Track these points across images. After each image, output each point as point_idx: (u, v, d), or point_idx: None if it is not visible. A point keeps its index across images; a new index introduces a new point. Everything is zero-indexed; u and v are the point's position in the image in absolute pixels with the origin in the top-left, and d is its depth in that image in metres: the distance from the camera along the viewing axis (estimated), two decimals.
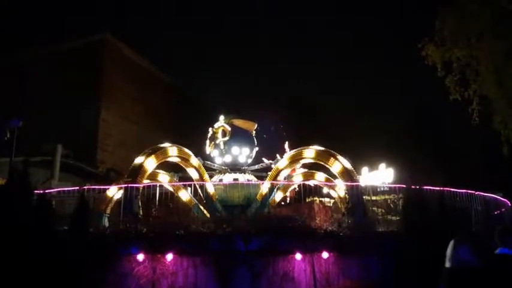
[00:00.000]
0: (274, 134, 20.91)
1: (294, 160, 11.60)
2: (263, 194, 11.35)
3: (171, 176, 12.36)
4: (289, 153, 11.89)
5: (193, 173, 11.97)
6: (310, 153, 11.35)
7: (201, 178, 11.93)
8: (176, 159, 11.78)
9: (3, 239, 7.71)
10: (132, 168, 10.80)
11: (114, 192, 11.31)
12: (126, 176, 11.03)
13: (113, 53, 23.11)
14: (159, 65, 26.61)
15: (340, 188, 11.68)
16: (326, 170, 11.88)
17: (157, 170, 12.04)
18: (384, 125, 29.92)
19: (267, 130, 15.57)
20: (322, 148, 11.35)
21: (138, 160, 10.85)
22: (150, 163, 10.90)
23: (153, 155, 10.99)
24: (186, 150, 11.87)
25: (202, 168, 12.20)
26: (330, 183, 12.10)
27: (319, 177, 12.43)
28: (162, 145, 11.59)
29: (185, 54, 45.45)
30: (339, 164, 10.78)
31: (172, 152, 11.53)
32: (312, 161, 11.54)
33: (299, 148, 11.65)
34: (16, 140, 13.14)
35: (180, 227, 8.80)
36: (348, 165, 10.81)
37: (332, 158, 10.92)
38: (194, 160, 11.94)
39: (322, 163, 11.23)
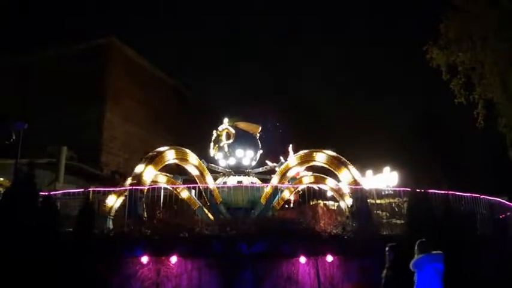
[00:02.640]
0: (274, 135, 20.92)
1: (305, 161, 11.54)
2: (267, 195, 11.35)
3: (175, 179, 12.36)
4: (300, 152, 11.77)
5: (193, 170, 11.96)
6: (322, 157, 11.24)
7: (202, 175, 11.94)
8: (175, 161, 11.77)
9: (10, 239, 7.75)
10: (131, 180, 10.74)
11: (114, 201, 11.27)
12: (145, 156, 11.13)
13: (118, 55, 23.22)
14: (163, 68, 26.72)
15: (348, 198, 11.56)
16: (329, 173, 11.85)
17: (159, 172, 12.09)
18: (389, 128, 29.77)
19: (266, 130, 15.54)
20: (335, 154, 11.24)
21: (138, 170, 10.71)
22: (149, 172, 10.78)
23: (151, 164, 10.83)
24: (184, 149, 11.85)
25: (202, 165, 12.15)
26: (335, 188, 12.07)
27: (328, 181, 12.39)
28: (159, 150, 11.45)
29: (189, 57, 45.57)
30: (349, 174, 10.69)
31: (170, 155, 11.44)
32: (321, 165, 11.49)
33: (311, 149, 11.56)
34: (21, 142, 13.19)
35: (184, 229, 8.82)
36: (359, 177, 10.76)
37: (343, 167, 10.81)
38: (193, 158, 11.89)
39: (332, 169, 11.17)
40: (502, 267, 8.93)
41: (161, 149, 11.53)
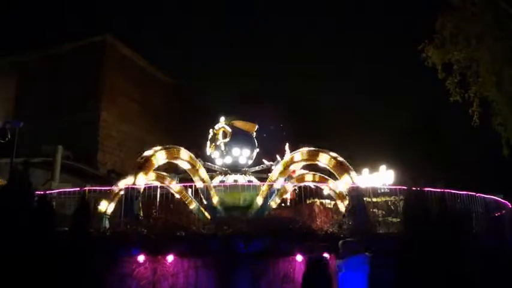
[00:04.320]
0: (274, 134, 20.92)
1: (286, 167, 11.72)
2: (264, 194, 11.37)
3: (171, 177, 12.36)
4: (280, 162, 11.94)
5: (185, 165, 11.99)
6: (298, 156, 11.49)
7: (194, 168, 11.96)
8: (186, 165, 11.81)
9: (4, 239, 7.71)
10: (140, 158, 10.97)
11: (106, 206, 11.20)
12: (134, 164, 11.12)
13: (113, 54, 23.11)
14: (160, 66, 26.62)
15: (337, 186, 11.65)
16: (326, 171, 11.88)
17: (162, 173, 12.09)
18: (385, 126, 29.86)
19: (266, 130, 15.57)
20: (308, 148, 11.49)
21: (149, 152, 11.05)
22: (160, 157, 11.06)
23: (165, 151, 11.19)
24: (173, 147, 11.85)
25: (194, 158, 12.09)
26: (329, 184, 12.10)
27: (315, 177, 12.46)
28: (146, 155, 11.32)
29: (185, 55, 45.47)
30: (327, 156, 10.92)
31: (184, 155, 11.64)
32: (303, 162, 11.65)
33: (288, 155, 11.79)
34: (17, 141, 13.11)
35: (181, 228, 8.82)
36: (337, 156, 10.92)
37: (320, 153, 11.08)
38: (184, 154, 11.86)
39: (313, 162, 11.33)
40: (498, 266, 8.98)
41: (147, 153, 11.26)
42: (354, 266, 5.52)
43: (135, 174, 10.73)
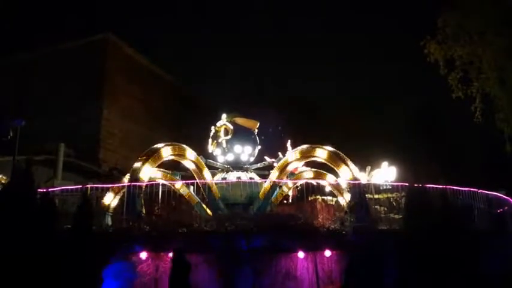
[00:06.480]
0: (273, 134, 20.92)
1: (305, 156, 11.43)
2: (266, 190, 11.34)
3: (173, 175, 12.36)
4: (301, 147, 11.65)
5: (190, 165, 11.91)
6: (322, 153, 11.12)
7: (199, 170, 11.91)
8: (172, 157, 11.72)
9: (7, 237, 7.74)
10: (129, 177, 10.78)
11: (111, 199, 11.13)
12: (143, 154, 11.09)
13: (115, 52, 23.11)
14: (161, 65, 26.62)
15: (346, 193, 11.56)
16: (326, 167, 11.85)
17: (164, 170, 12.08)
18: (387, 123, 29.76)
19: (265, 132, 15.54)
20: (335, 150, 11.14)
21: (135, 168, 10.69)
22: (146, 170, 10.76)
23: (148, 162, 10.82)
24: (181, 145, 11.79)
25: (200, 160, 12.09)
26: (334, 183, 12.08)
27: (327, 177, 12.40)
28: (156, 147, 11.37)
29: (186, 53, 45.40)
30: (348, 171, 10.57)
31: (166, 152, 11.37)
32: (322, 161, 11.38)
33: (312, 145, 11.45)
34: (19, 139, 13.15)
35: (183, 225, 8.83)
36: (358, 173, 10.67)
37: (342, 163, 10.70)
38: (190, 153, 11.86)
39: (331, 165, 11.08)
40: (500, 261, 8.97)
41: (158, 145, 11.40)
42: (117, 273, 5.29)
43: (143, 163, 10.74)
